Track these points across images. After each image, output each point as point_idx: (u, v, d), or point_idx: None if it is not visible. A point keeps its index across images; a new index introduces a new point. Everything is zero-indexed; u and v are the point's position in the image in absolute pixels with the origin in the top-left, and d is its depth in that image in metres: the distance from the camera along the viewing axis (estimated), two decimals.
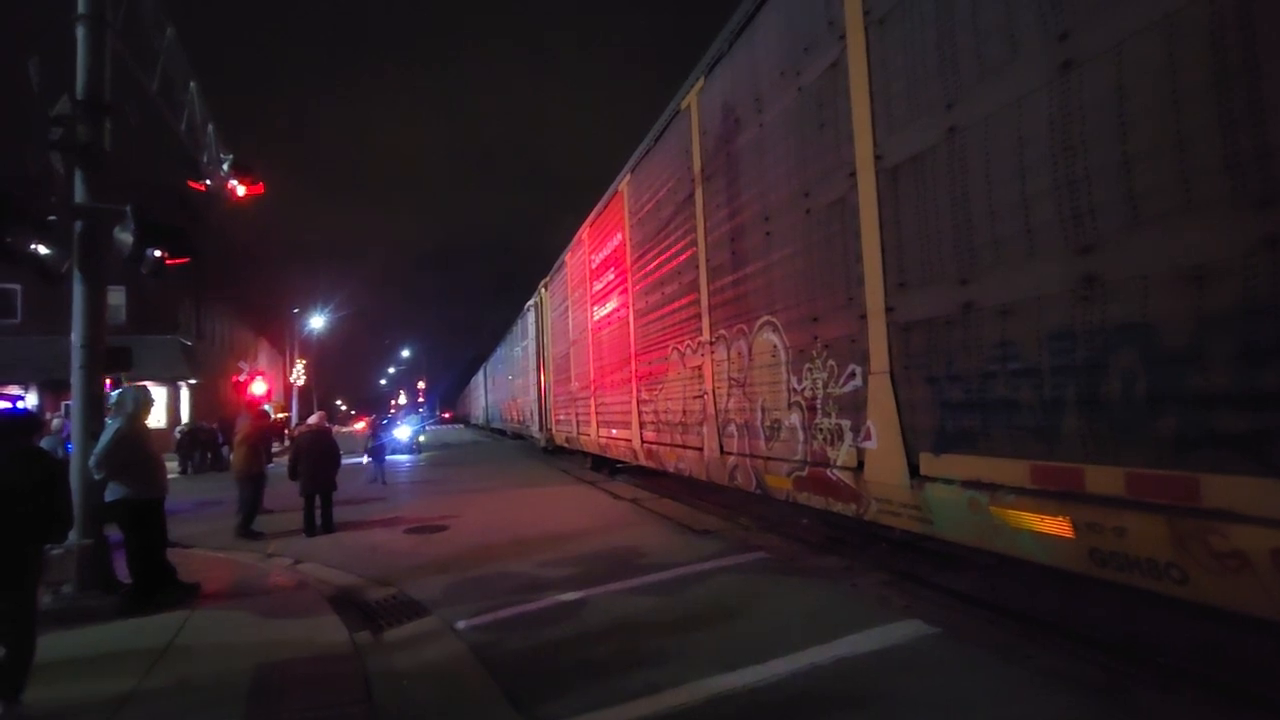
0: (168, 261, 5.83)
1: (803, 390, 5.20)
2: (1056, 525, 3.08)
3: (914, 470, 3.99)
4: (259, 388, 18.92)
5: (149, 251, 5.63)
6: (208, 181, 8.16)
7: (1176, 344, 2.61)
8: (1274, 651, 3.10)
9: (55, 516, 3.60)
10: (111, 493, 5.25)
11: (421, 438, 28.89)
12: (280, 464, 10.19)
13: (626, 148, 9.74)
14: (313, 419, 10.26)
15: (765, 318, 5.78)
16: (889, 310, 4.22)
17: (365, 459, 15.50)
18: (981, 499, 3.48)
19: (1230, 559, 2.41)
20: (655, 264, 8.53)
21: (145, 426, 5.69)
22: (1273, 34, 2.32)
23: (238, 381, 20.09)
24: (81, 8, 5.66)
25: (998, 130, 3.42)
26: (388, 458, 16.59)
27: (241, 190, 8.31)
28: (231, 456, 9.44)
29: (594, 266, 11.93)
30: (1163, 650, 3.50)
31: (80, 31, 5.65)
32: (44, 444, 9.83)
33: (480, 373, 44.84)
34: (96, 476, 5.20)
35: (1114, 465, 2.83)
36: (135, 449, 5.33)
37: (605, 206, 10.99)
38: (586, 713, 3.36)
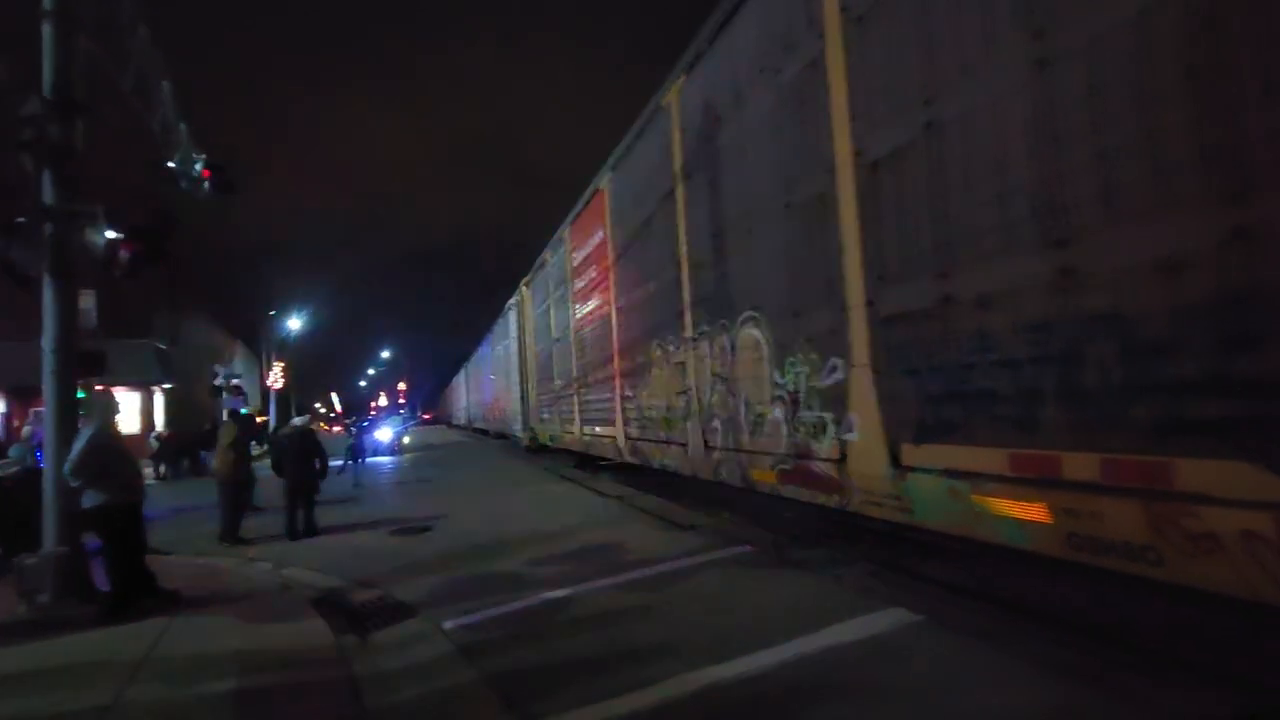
0: (141, 263, 5.72)
1: (785, 384, 5.25)
2: (1035, 511, 3.15)
3: (895, 460, 4.05)
4: (238, 396, 18.61)
5: (122, 253, 5.52)
6: (171, 164, 7.95)
7: (1150, 334, 2.68)
8: (1245, 630, 3.19)
9: None
10: (87, 499, 5.15)
11: (406, 438, 28.67)
12: (260, 466, 10.09)
13: (608, 143, 9.74)
14: (298, 420, 10.15)
15: (748, 313, 5.83)
16: (869, 304, 4.28)
17: (345, 461, 15.35)
18: (962, 487, 3.54)
19: (1203, 540, 2.48)
20: (637, 261, 8.55)
21: (119, 431, 5.60)
22: (1241, 32, 2.39)
23: (214, 386, 19.75)
24: (47, 4, 5.54)
25: (975, 126, 3.48)
26: (370, 459, 16.44)
27: (217, 191, 8.13)
28: (215, 462, 9.30)
29: (576, 264, 11.91)
30: (1141, 632, 3.59)
31: (46, 29, 5.53)
32: (12, 452, 9.65)
33: (462, 373, 44.56)
34: (72, 484, 5.10)
35: (1090, 451, 2.90)
36: (110, 454, 5.24)
37: (587, 204, 10.98)
38: (576, 708, 3.37)
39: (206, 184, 8.15)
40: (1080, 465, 2.94)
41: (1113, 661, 3.38)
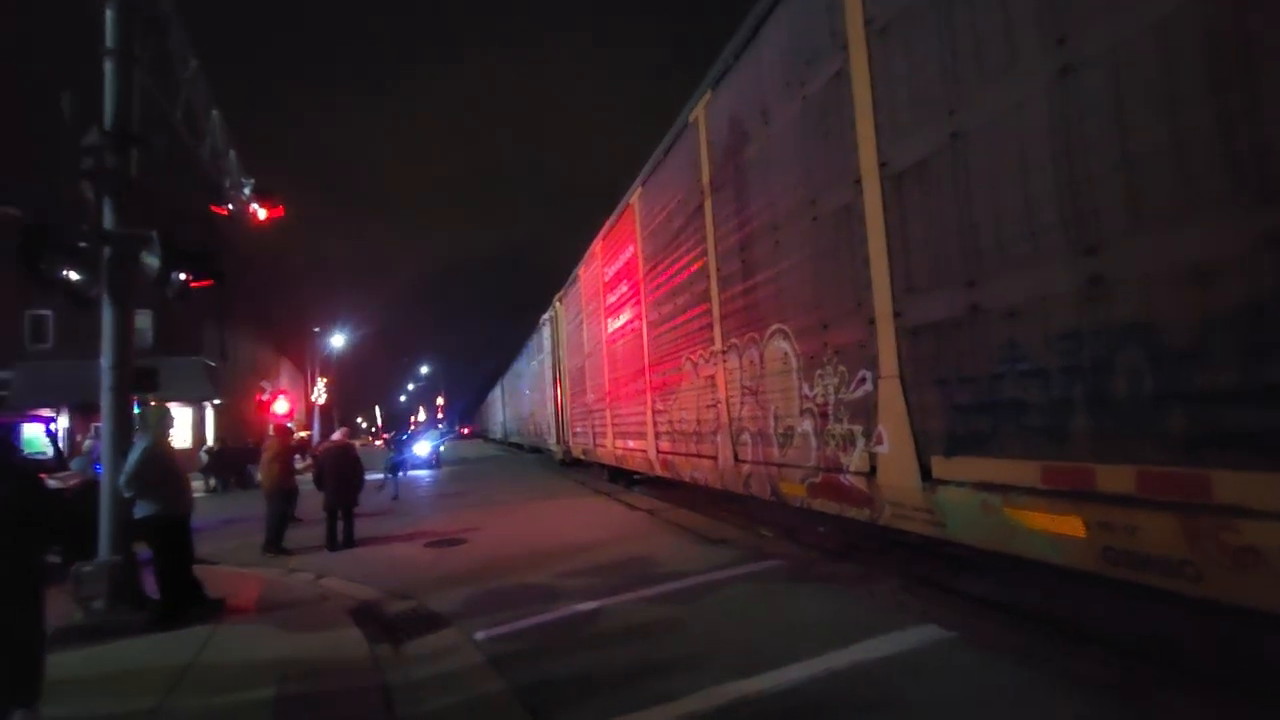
0: (192, 284, 6.01)
1: (814, 397, 5.22)
2: (1069, 525, 3.07)
3: (926, 473, 3.99)
4: (282, 406, 19.21)
5: (175, 275, 5.81)
6: (230, 206, 8.38)
7: (1182, 341, 2.61)
8: None
9: (36, 526, 3.66)
10: (139, 510, 5.39)
11: (442, 449, 29.19)
12: (303, 480, 10.38)
13: (640, 157, 9.86)
14: (336, 435, 10.43)
15: (776, 325, 5.82)
16: (897, 315, 4.24)
17: (385, 475, 15.70)
18: (994, 500, 3.47)
19: (1244, 554, 2.40)
20: (667, 275, 8.60)
21: (170, 445, 5.85)
22: (1267, 35, 2.34)
23: (260, 400, 20.40)
24: (109, 43, 5.89)
25: (1000, 135, 3.45)
26: (409, 473, 16.75)
27: (263, 214, 8.52)
28: (260, 474, 9.62)
29: (607, 279, 12.04)
30: (1179, 650, 3.46)
31: (108, 66, 5.88)
32: (74, 465, 10.14)
33: (498, 387, 45.12)
34: (126, 494, 5.34)
35: (1124, 464, 2.82)
36: (162, 467, 5.47)
37: (617, 220, 11.11)
38: None
39: (254, 207, 8.55)
40: (1114, 478, 2.86)
41: (1148, 679, 3.27)
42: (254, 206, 8.48)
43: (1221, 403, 2.49)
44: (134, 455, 5.36)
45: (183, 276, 5.87)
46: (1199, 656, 3.37)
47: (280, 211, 8.73)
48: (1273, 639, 3.06)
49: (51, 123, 5.74)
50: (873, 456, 4.50)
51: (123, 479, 5.31)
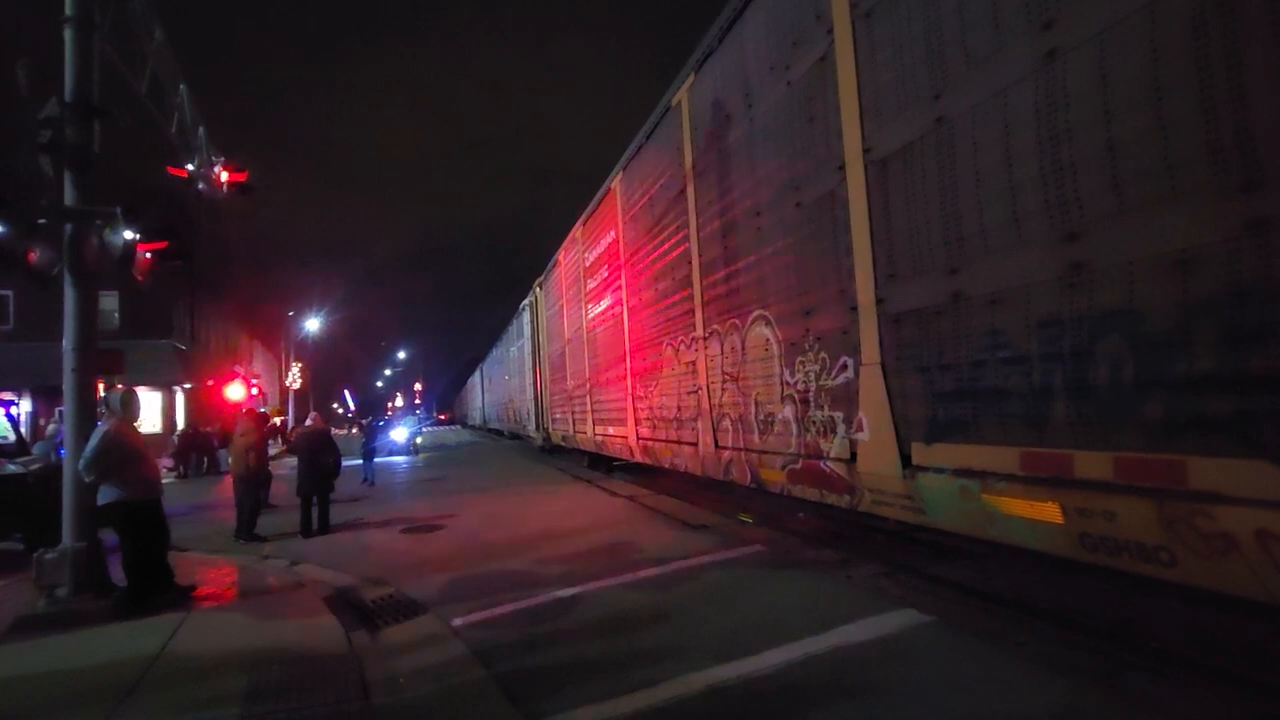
0: (160, 262, 5.81)
1: (795, 383, 5.21)
2: (1047, 511, 3.09)
3: (906, 460, 4.01)
4: (236, 392, 18.55)
5: (141, 253, 5.61)
6: (189, 167, 8.08)
7: (1162, 329, 2.63)
8: (1262, 633, 3.12)
9: None
10: (102, 496, 5.23)
11: (419, 439, 28.94)
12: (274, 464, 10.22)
13: (623, 139, 9.74)
14: (309, 420, 10.25)
15: (758, 312, 5.80)
16: (880, 302, 4.24)
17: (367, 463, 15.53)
18: (973, 487, 3.50)
19: (1217, 540, 2.43)
20: (648, 260, 8.54)
21: (134, 428, 5.67)
22: (1253, 21, 2.33)
23: (207, 385, 19.81)
24: (69, 10, 5.64)
25: (984, 120, 3.43)
26: (386, 458, 16.55)
27: (225, 176, 8.23)
28: (230, 460, 9.42)
29: (588, 264, 11.94)
30: (1155, 635, 3.52)
31: (68, 34, 5.63)
32: (36, 449, 9.85)
33: (477, 373, 44.83)
34: (87, 479, 5.18)
35: (1102, 450, 2.84)
36: (125, 450, 5.30)
37: (598, 204, 11.00)
38: (584, 706, 3.37)
39: (224, 186, 8.29)
40: (1092, 464, 2.88)
41: (1124, 663, 3.32)
42: (217, 170, 8.20)
43: (1199, 389, 2.51)
44: (94, 439, 5.19)
45: (149, 255, 5.68)
46: (1174, 642, 3.43)
47: (244, 176, 8.44)
48: (1246, 624, 3.13)
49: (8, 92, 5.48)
50: (853, 443, 4.51)
51: (81, 462, 5.15)
